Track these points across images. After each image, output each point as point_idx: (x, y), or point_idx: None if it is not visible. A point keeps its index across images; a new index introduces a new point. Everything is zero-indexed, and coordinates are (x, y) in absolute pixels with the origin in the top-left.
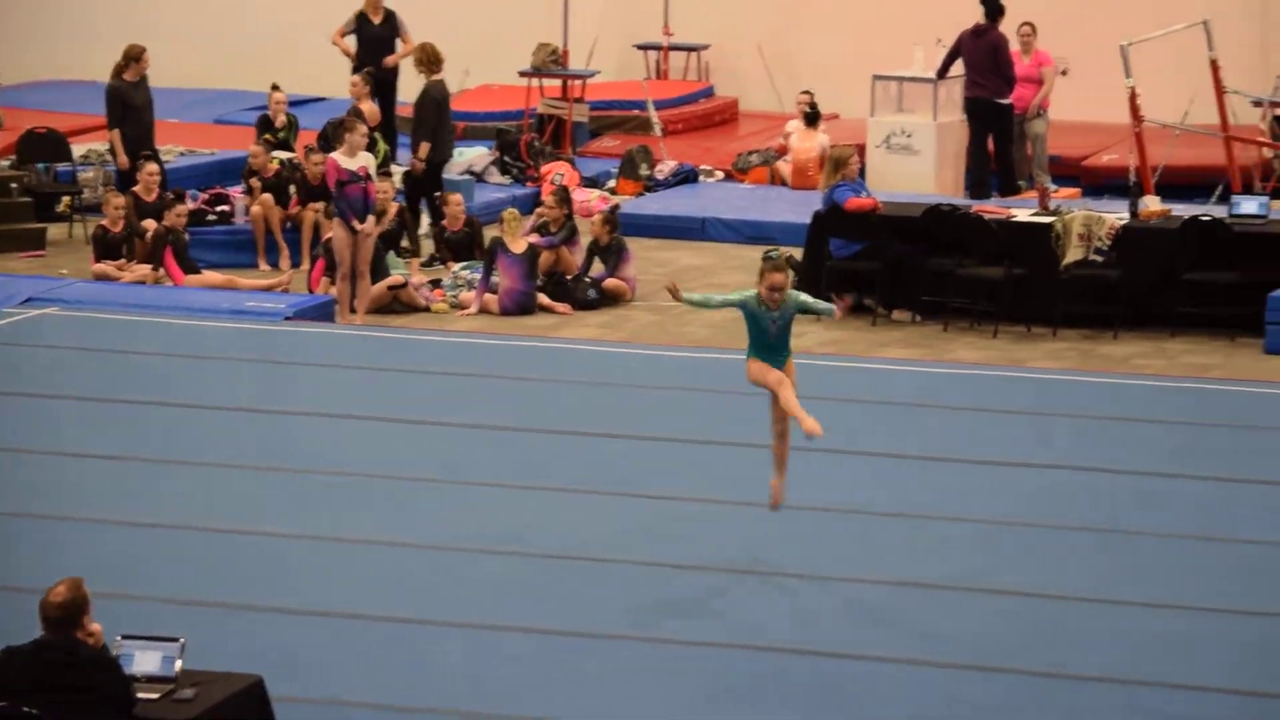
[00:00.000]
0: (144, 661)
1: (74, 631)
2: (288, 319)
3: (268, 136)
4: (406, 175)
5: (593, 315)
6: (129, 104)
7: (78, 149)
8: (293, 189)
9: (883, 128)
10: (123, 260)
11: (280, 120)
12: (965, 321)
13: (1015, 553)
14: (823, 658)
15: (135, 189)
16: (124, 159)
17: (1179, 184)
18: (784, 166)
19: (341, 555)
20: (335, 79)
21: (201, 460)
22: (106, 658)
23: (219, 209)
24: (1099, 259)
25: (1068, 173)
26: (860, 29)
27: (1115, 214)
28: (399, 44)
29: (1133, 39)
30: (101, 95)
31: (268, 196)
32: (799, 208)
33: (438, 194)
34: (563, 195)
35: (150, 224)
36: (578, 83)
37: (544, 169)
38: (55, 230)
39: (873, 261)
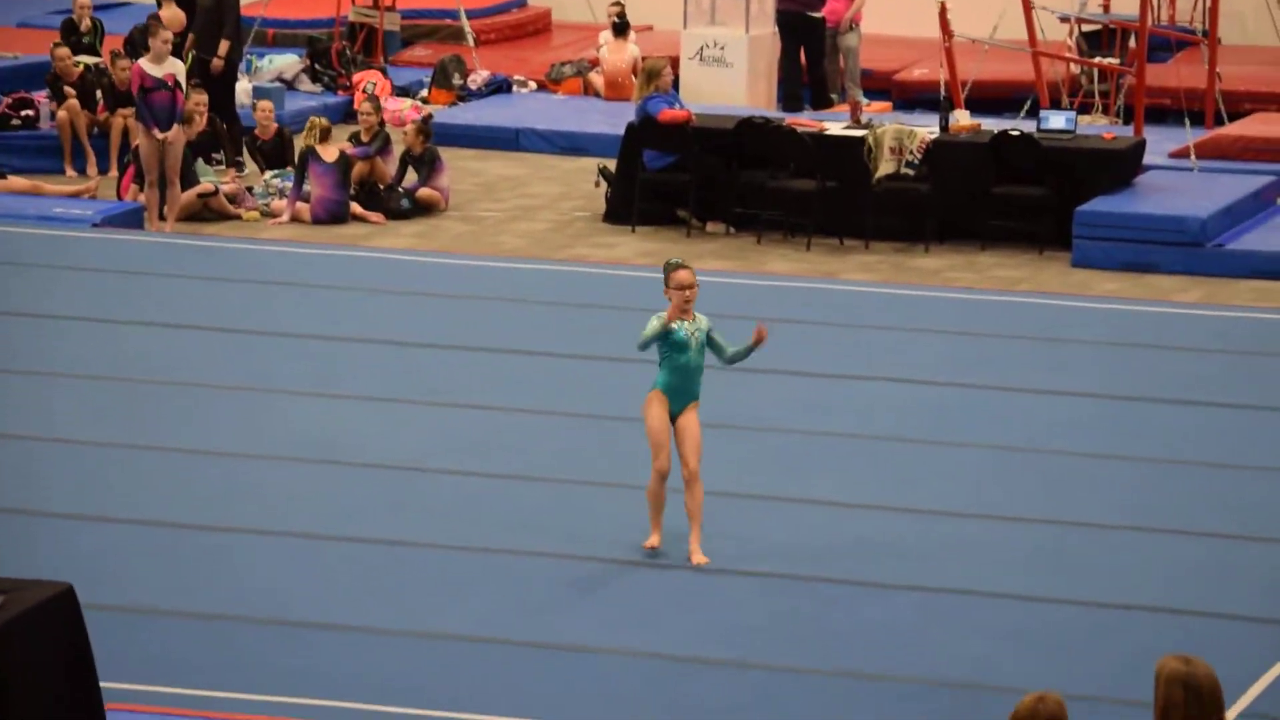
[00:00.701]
0: None
1: None
2: (95, 226)
3: (72, 40)
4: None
5: (406, 225)
6: None
7: None
8: (99, 95)
9: (695, 40)
10: None
11: (85, 24)
12: (778, 234)
13: (825, 465)
14: (639, 567)
15: None
16: None
17: (988, 99)
18: (597, 78)
19: (150, 464)
20: None
21: (5, 369)
22: None
23: (23, 113)
24: (910, 173)
25: (879, 87)
26: None
27: (926, 128)
28: None
29: None
30: None
31: (74, 102)
32: (612, 119)
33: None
34: (376, 104)
35: None
36: None
37: (355, 78)
38: None
39: (686, 174)
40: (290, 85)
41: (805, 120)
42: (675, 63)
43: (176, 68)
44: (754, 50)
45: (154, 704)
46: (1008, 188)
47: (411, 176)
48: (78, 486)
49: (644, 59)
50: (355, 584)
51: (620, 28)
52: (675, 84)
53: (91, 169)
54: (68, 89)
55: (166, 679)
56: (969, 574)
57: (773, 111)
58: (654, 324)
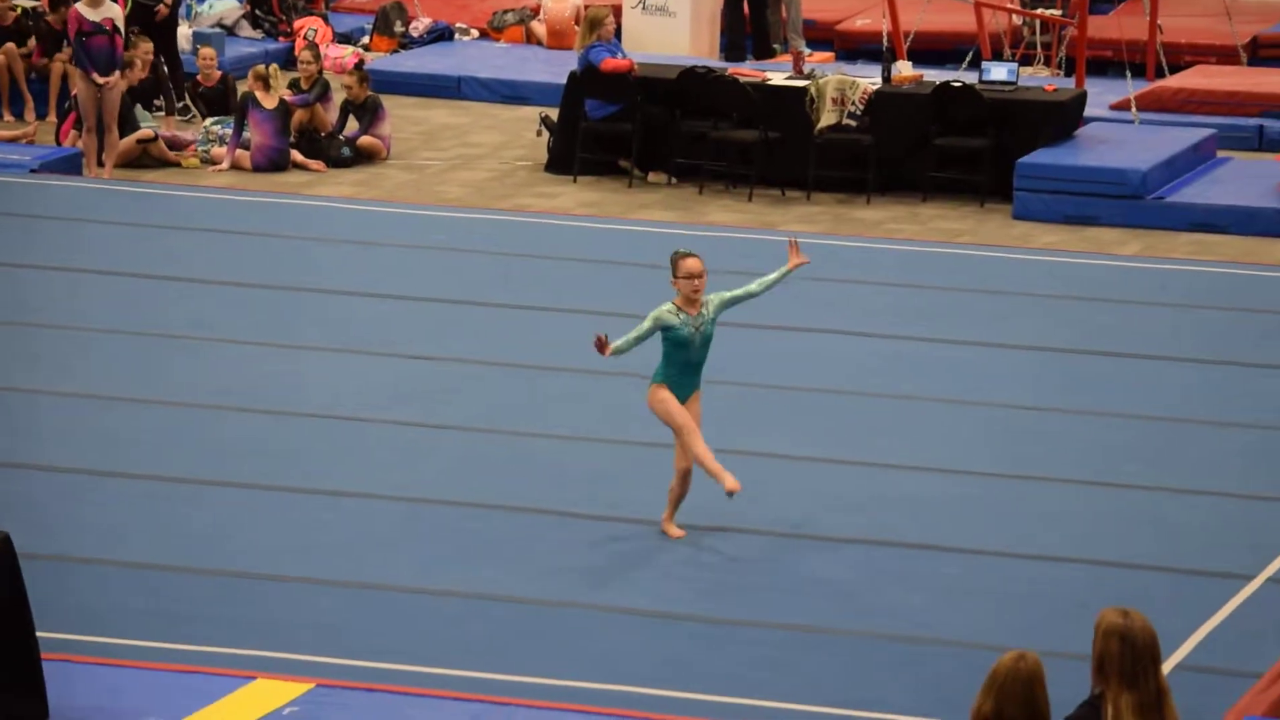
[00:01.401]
0: None
1: None
2: (34, 171)
3: None
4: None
5: (347, 173)
6: None
7: None
8: (33, 40)
9: None
10: None
11: None
12: (720, 184)
13: (767, 418)
14: (578, 519)
15: None
16: None
17: (931, 50)
18: (539, 26)
19: (90, 411)
20: None
21: None
22: None
23: None
24: (852, 123)
25: (822, 37)
26: None
27: (868, 79)
28: None
29: None
30: None
31: (10, 45)
32: (554, 68)
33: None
34: (315, 51)
35: None
36: None
37: (297, 24)
38: None
39: (628, 123)
40: (230, 31)
41: (748, 70)
42: (618, 11)
43: (115, 12)
44: (697, 0)
45: (91, 654)
46: (949, 139)
47: (353, 124)
48: (12, 434)
49: (586, 7)
50: (296, 533)
51: None
52: (618, 33)
53: (30, 114)
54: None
55: (103, 629)
56: (912, 527)
57: (715, 61)
58: (645, 325)
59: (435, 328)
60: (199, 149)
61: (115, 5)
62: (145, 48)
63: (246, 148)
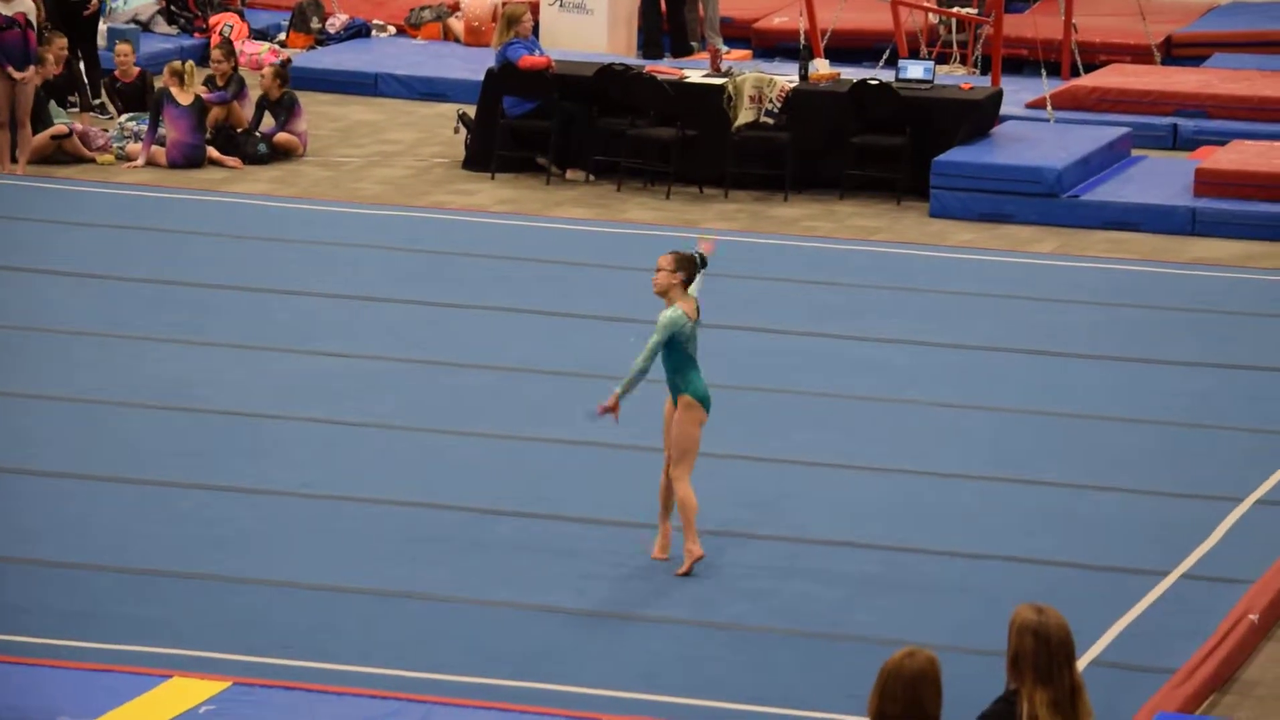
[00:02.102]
0: None
1: None
2: None
3: None
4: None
5: (264, 170)
6: None
7: None
8: None
9: None
10: None
11: None
12: (638, 182)
13: None
14: (492, 516)
15: None
16: None
17: (847, 48)
18: (456, 23)
19: (1, 410)
20: None
21: None
22: None
23: None
24: (770, 121)
25: (739, 35)
26: None
27: (785, 77)
28: None
29: None
30: None
31: None
32: (472, 65)
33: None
34: (228, 49)
35: None
36: None
37: (212, 20)
38: None
39: (545, 120)
40: (145, 27)
41: (665, 68)
42: (535, 9)
43: (27, 6)
44: None
45: (2, 653)
46: (866, 137)
47: (269, 121)
48: None
49: (504, 4)
50: (211, 531)
51: None
52: (535, 30)
53: None
54: None
55: (15, 628)
56: (827, 523)
57: (633, 59)
58: (653, 340)
59: (351, 325)
60: (114, 145)
61: (27, 0)
62: (60, 43)
63: (162, 144)
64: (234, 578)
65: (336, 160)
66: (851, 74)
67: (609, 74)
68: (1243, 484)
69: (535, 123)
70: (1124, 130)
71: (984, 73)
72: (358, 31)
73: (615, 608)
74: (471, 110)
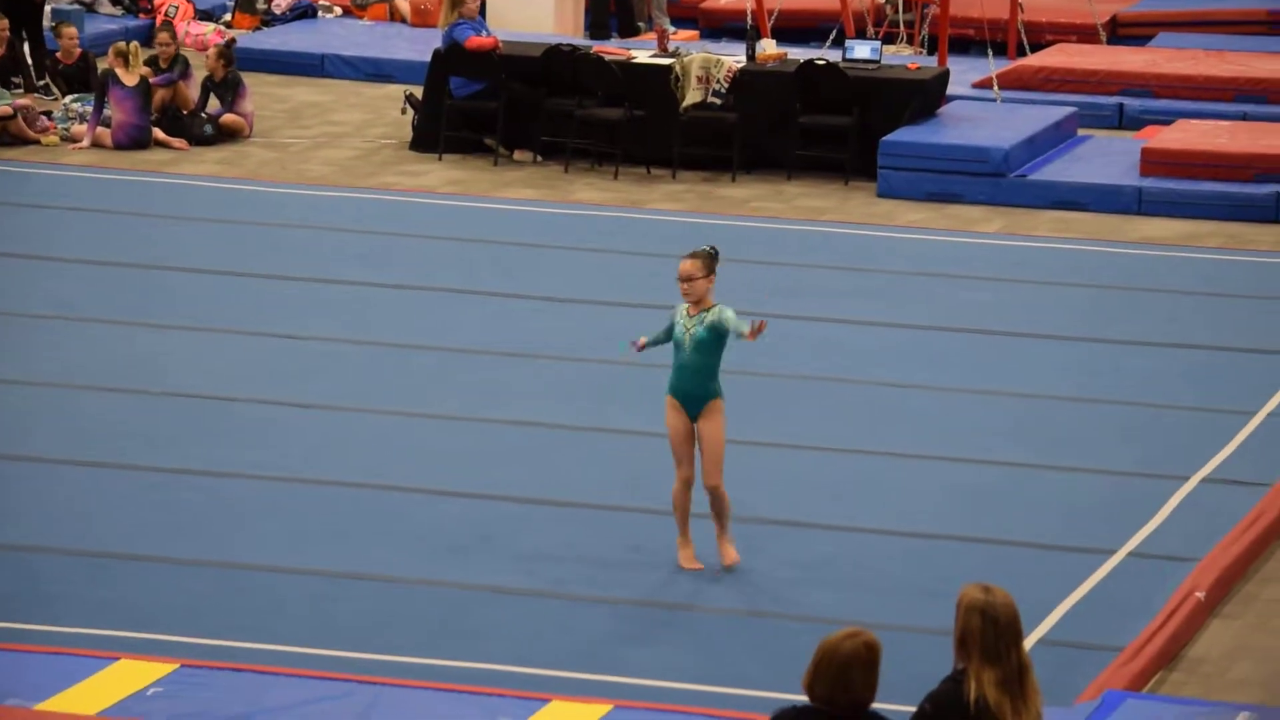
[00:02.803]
0: None
1: None
2: None
3: None
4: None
5: (210, 151)
6: None
7: None
8: None
9: None
10: None
11: None
12: (586, 162)
13: (631, 396)
14: (442, 497)
15: None
16: None
17: (794, 28)
18: (403, 3)
19: None
20: None
21: None
22: None
23: None
24: (717, 101)
25: (686, 15)
26: None
27: (733, 57)
28: None
29: None
30: None
31: None
32: (419, 45)
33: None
34: (172, 30)
35: None
36: None
37: (158, 1)
38: None
39: (493, 101)
40: (89, 8)
41: (612, 48)
42: None
43: None
44: None
45: None
46: (814, 117)
47: (215, 103)
48: None
49: None
50: (159, 513)
51: None
52: (482, 10)
53: None
54: None
55: None
56: (775, 503)
57: (580, 39)
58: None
59: (299, 306)
60: (59, 127)
61: None
62: (1, 24)
63: (107, 125)
64: (183, 559)
65: (283, 141)
66: (798, 54)
67: (556, 55)
68: (1189, 462)
69: (482, 104)
70: (1070, 110)
71: (931, 53)
72: (304, 12)
73: (563, 588)
74: (419, 91)
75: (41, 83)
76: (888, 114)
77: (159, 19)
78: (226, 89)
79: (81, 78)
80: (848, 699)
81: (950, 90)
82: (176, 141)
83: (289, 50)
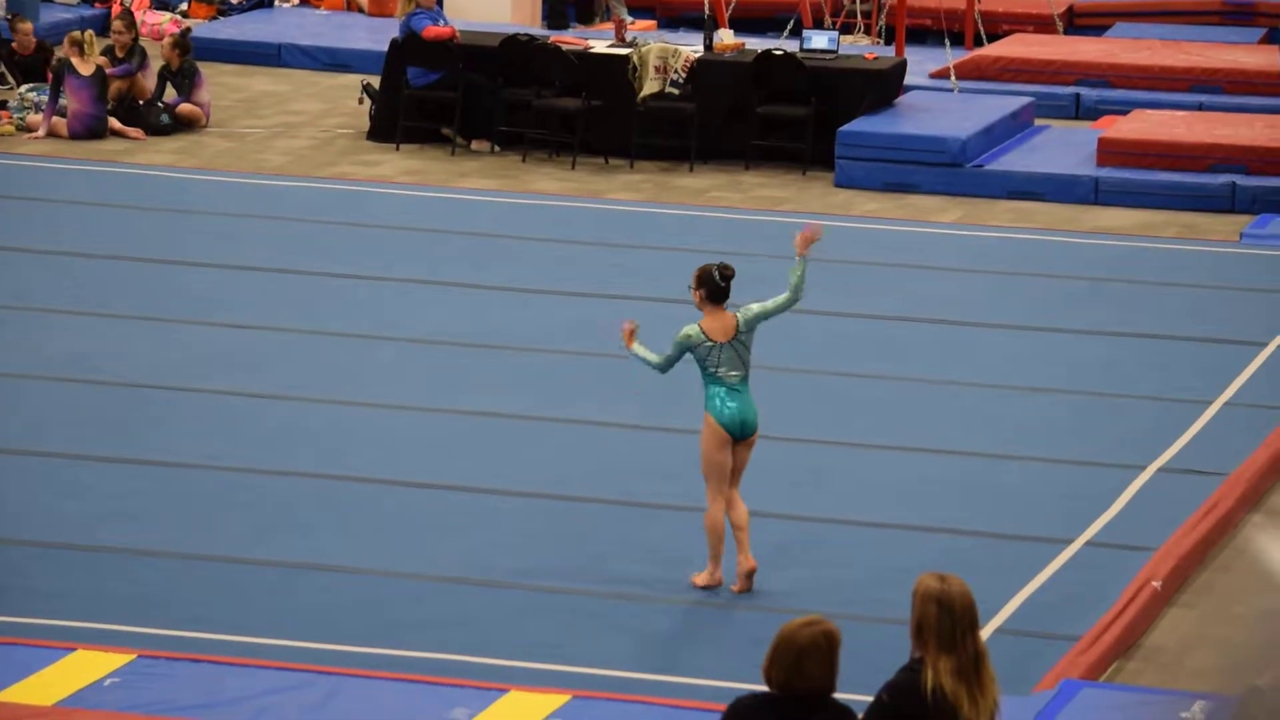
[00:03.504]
0: None
1: None
2: None
3: None
4: None
5: (166, 141)
6: None
7: None
8: None
9: None
10: None
11: None
12: (543, 153)
13: (587, 386)
14: (400, 487)
15: None
16: None
17: (752, 18)
18: None
19: None
20: None
21: None
22: None
23: None
24: (675, 91)
25: (644, 5)
26: None
27: (690, 47)
28: None
29: None
30: None
31: None
32: (376, 35)
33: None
34: (129, 19)
35: None
36: None
37: None
38: None
39: (450, 91)
40: None
41: (570, 38)
42: None
43: None
44: None
45: None
46: (771, 107)
47: (172, 92)
48: None
49: None
50: (116, 504)
51: None
52: (439, 0)
53: None
54: None
55: None
56: None
57: (537, 29)
58: (671, 350)
59: (256, 296)
60: (14, 116)
61: None
62: None
63: (63, 115)
64: (140, 550)
65: (240, 131)
66: (756, 44)
67: (514, 44)
68: (1146, 452)
69: (440, 93)
70: (1027, 100)
71: (888, 43)
72: (260, 1)
73: (525, 579)
74: (376, 81)
75: None
76: (845, 104)
77: (115, 8)
78: (183, 78)
79: (38, 67)
80: (804, 686)
81: (907, 80)
82: (133, 131)
83: (245, 40)
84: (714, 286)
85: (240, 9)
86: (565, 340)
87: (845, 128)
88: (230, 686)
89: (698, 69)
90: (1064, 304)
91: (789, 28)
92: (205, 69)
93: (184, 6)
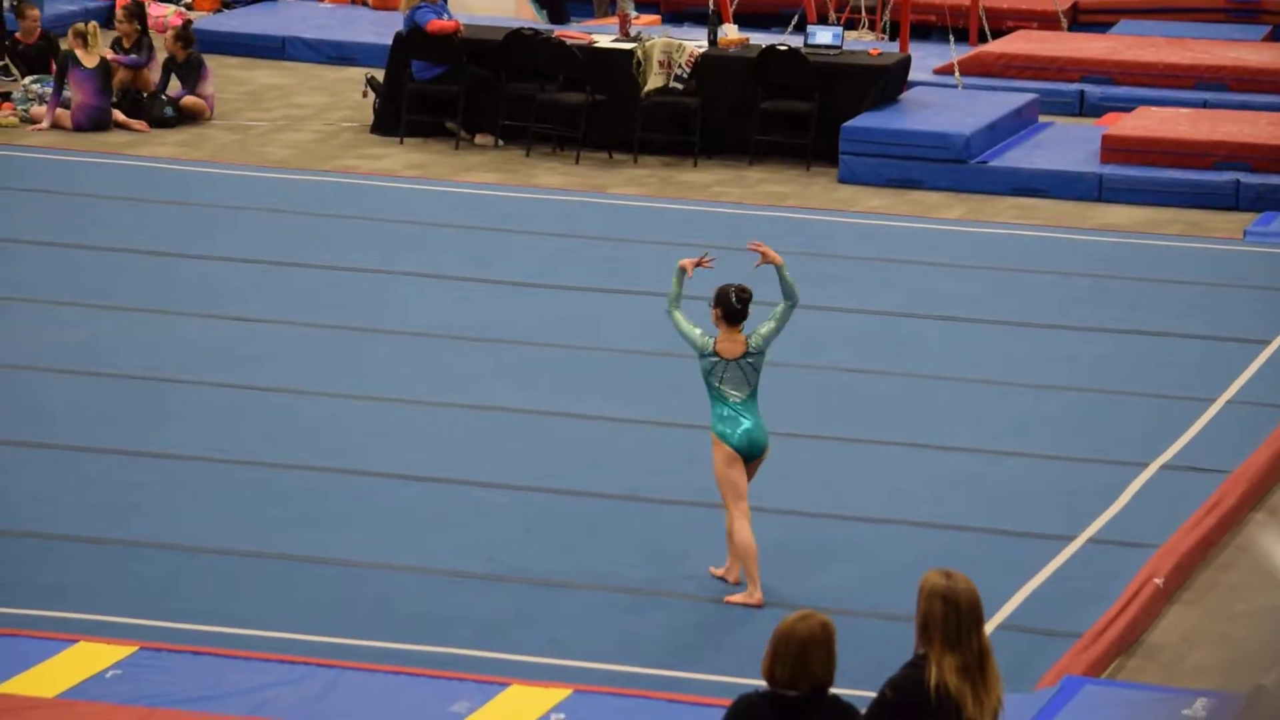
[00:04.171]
0: None
1: None
2: None
3: None
4: None
5: (171, 133)
6: None
7: None
8: None
9: None
10: None
11: None
12: (547, 147)
13: (589, 380)
14: (396, 479)
15: None
16: None
17: (756, 13)
18: None
19: None
20: None
21: None
22: None
23: None
24: (679, 86)
25: (648, 0)
26: None
27: (695, 42)
28: None
29: None
30: None
31: None
32: (380, 28)
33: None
34: (135, 10)
35: None
36: None
37: None
38: None
39: (454, 85)
40: None
41: (574, 33)
42: None
43: None
44: None
45: None
46: (775, 103)
47: (176, 84)
48: None
49: None
50: (118, 496)
51: None
52: None
53: None
54: None
55: None
56: None
57: (541, 24)
58: (695, 331)
59: (259, 289)
60: (18, 108)
61: None
62: None
63: (67, 107)
64: (142, 542)
65: (244, 124)
66: (760, 39)
67: (518, 38)
68: (1148, 449)
69: (444, 87)
70: (1031, 96)
71: (892, 39)
72: None
73: (524, 573)
74: (380, 74)
75: (0, 63)
76: (849, 100)
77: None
78: (188, 71)
79: (42, 58)
80: (809, 680)
81: (912, 76)
82: (137, 123)
83: (250, 32)
84: (729, 308)
85: (245, 1)
86: (568, 335)
87: (849, 123)
88: (231, 679)
89: (702, 64)
90: (1067, 301)
91: (793, 23)
92: (210, 61)
93: None
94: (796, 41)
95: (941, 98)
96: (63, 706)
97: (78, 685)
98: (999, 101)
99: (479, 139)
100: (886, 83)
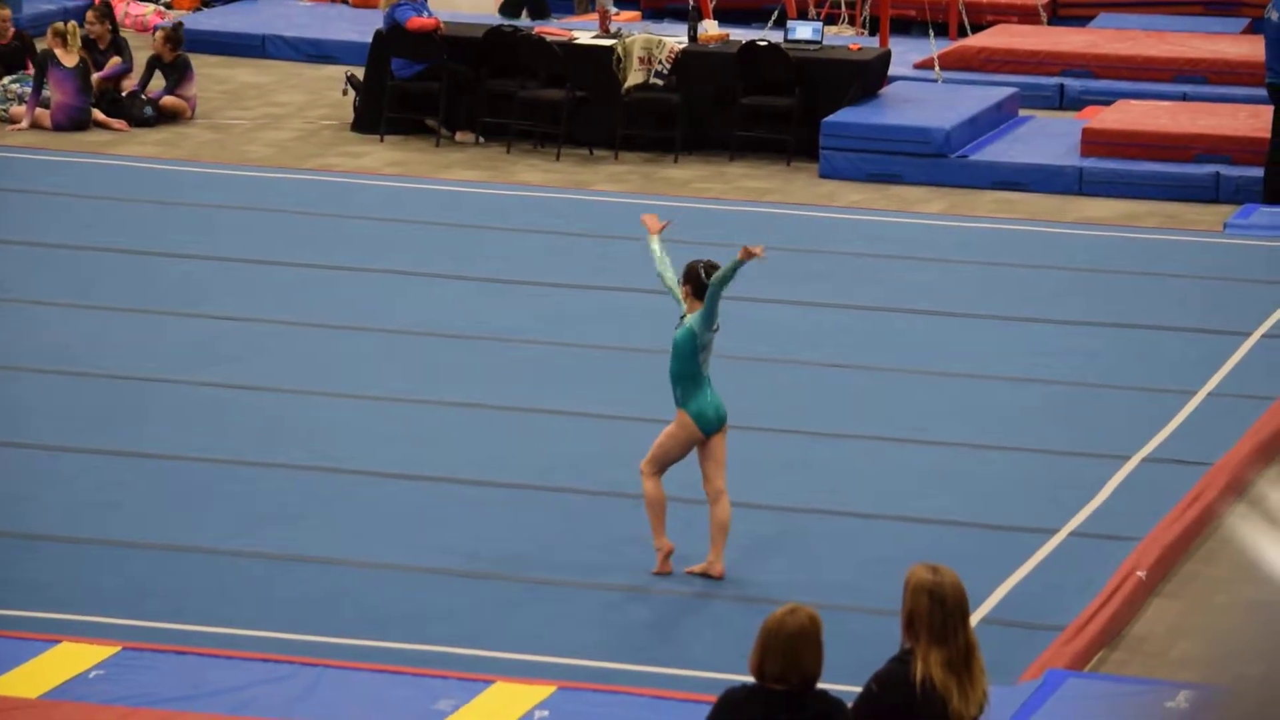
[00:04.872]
0: None
1: None
2: None
3: None
4: None
5: (151, 133)
6: None
7: None
8: None
9: None
10: None
11: None
12: (528, 144)
13: (569, 377)
14: (381, 477)
15: None
16: None
17: (736, 9)
18: None
19: None
20: None
21: None
22: None
23: None
24: (659, 82)
25: None
26: None
27: (675, 38)
28: None
29: None
30: None
31: None
32: (360, 26)
33: None
34: (104, 11)
35: None
36: None
37: None
38: None
39: (435, 82)
40: None
41: (554, 29)
42: None
43: None
44: None
45: None
46: (756, 98)
47: (156, 84)
48: None
49: None
50: (99, 495)
51: None
52: None
53: None
54: None
55: None
56: None
57: (521, 20)
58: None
59: (240, 288)
60: None
61: None
62: None
63: (46, 106)
64: (123, 542)
65: (224, 123)
66: (740, 35)
67: (498, 35)
68: (1130, 442)
69: (424, 85)
70: (1011, 90)
71: (872, 33)
72: None
73: (506, 570)
74: (360, 72)
75: None
76: (829, 95)
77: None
78: (175, 71)
79: (16, 57)
80: (799, 674)
81: (892, 71)
82: (116, 123)
83: (229, 31)
84: (699, 284)
85: (224, 0)
86: (550, 331)
87: (829, 118)
88: (214, 678)
89: (682, 60)
90: (1048, 294)
91: (773, 18)
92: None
93: None
94: (777, 37)
95: (922, 92)
96: (45, 707)
97: (60, 686)
98: (979, 96)
99: (459, 136)
100: (867, 78)
